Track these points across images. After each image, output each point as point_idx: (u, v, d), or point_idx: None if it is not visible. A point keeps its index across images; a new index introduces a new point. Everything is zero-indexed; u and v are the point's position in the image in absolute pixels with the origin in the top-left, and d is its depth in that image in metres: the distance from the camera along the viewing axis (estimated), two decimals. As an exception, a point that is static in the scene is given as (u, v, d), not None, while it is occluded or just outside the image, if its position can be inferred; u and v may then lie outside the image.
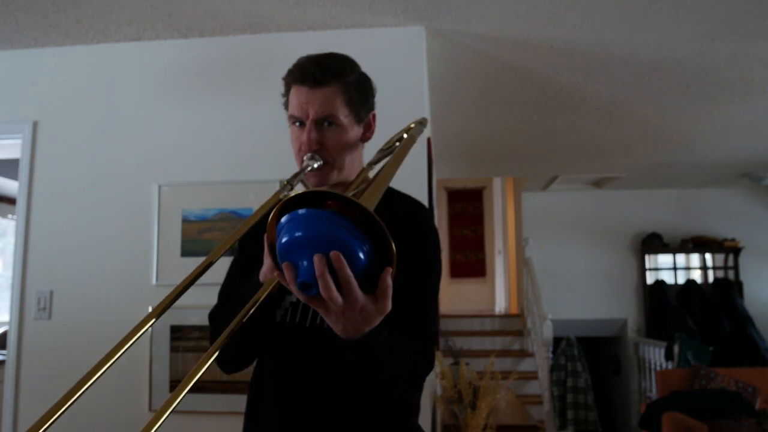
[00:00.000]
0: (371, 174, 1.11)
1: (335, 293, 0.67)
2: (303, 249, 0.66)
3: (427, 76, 2.63)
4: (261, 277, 0.91)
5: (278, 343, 1.01)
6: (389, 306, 0.73)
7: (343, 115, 1.01)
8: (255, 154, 2.37)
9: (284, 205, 0.69)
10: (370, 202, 0.73)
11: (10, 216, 5.40)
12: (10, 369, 2.35)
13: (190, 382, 0.64)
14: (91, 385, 0.61)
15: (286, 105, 1.06)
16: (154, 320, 0.71)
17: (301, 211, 0.67)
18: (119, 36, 2.47)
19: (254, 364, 1.10)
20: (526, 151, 4.89)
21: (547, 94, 3.32)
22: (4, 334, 3.79)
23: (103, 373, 0.62)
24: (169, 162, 2.43)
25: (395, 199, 1.06)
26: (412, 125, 1.20)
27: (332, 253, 0.65)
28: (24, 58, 2.57)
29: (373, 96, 1.09)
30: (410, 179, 2.23)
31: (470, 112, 3.71)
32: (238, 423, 1.10)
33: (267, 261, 0.90)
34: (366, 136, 1.10)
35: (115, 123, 2.48)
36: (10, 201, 5.24)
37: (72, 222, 2.42)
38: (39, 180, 2.47)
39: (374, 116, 1.11)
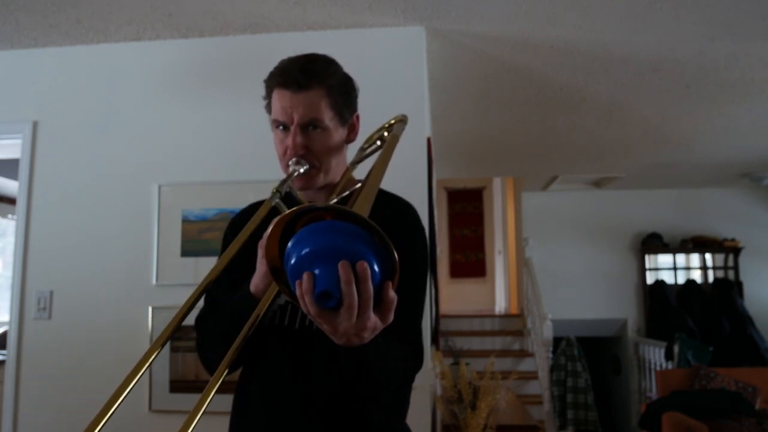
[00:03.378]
0: (355, 174, 1.11)
1: (357, 303, 0.66)
2: (322, 260, 0.65)
3: (427, 76, 2.63)
4: (253, 288, 0.90)
5: (266, 345, 1.00)
6: (392, 318, 0.72)
7: (328, 118, 1.01)
8: (255, 154, 2.36)
9: (285, 220, 0.68)
10: (364, 210, 0.72)
11: (10, 216, 5.40)
12: (10, 369, 2.35)
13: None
14: (109, 417, 0.61)
15: (268, 108, 1.05)
16: (160, 349, 0.73)
17: (321, 223, 0.66)
18: (119, 36, 2.47)
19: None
20: (526, 151, 4.89)
21: (547, 94, 3.32)
22: (4, 334, 3.78)
23: (120, 402, 0.63)
24: (169, 162, 2.43)
25: (382, 199, 1.06)
26: (393, 122, 1.18)
27: (359, 264, 0.64)
28: (24, 58, 2.57)
29: (356, 97, 1.08)
30: (410, 179, 2.24)
31: (470, 112, 3.71)
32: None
33: (261, 268, 0.89)
34: (350, 138, 1.09)
35: (115, 123, 2.48)
36: (10, 201, 5.24)
37: (72, 222, 2.42)
38: (39, 180, 2.47)
39: (358, 117, 1.10)
